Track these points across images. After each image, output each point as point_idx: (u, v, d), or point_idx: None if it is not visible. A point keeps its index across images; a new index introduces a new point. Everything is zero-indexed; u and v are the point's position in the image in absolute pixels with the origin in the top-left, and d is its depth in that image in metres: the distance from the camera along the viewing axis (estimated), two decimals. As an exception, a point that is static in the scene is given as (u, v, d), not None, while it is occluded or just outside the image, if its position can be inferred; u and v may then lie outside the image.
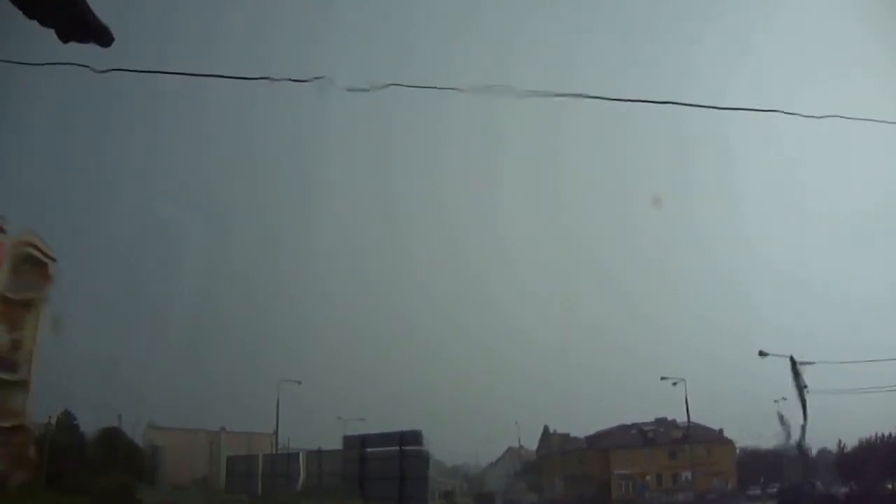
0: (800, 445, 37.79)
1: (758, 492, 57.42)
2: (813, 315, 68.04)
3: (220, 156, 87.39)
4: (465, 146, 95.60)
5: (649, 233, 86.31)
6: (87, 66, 6.94)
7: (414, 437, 28.71)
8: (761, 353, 36.75)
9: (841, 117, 10.55)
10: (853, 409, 45.23)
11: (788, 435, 50.12)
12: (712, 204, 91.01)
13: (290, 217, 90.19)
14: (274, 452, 48.92)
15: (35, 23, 3.88)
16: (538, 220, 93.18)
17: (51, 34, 4.10)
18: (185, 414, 56.22)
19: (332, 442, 45.89)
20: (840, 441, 53.93)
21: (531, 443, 78.58)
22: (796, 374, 35.23)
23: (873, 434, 49.03)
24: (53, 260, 43.63)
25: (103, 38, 4.13)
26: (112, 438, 45.09)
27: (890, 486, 43.33)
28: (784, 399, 41.22)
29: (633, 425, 69.45)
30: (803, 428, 36.21)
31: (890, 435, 47.77)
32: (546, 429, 75.75)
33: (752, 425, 64.67)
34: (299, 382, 50.39)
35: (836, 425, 48.70)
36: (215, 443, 58.27)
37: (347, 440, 37.07)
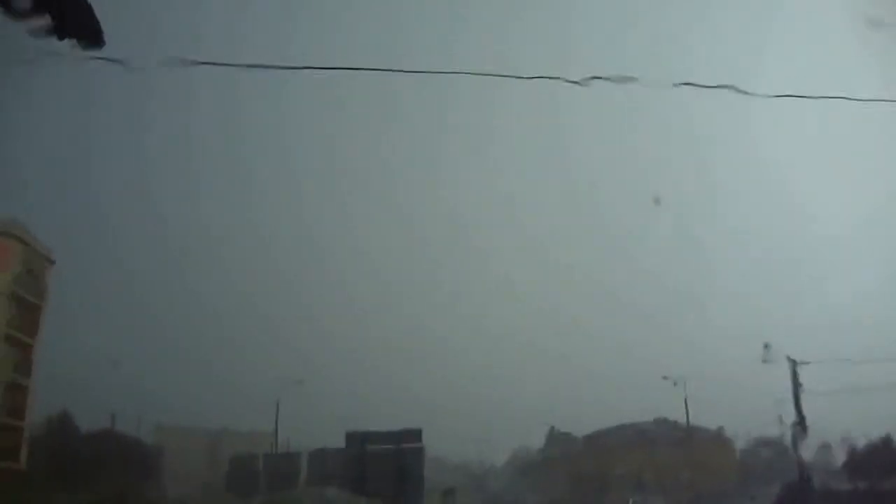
0: (796, 445, 37.82)
1: (758, 491, 57.39)
2: (814, 312, 67.89)
3: (214, 154, 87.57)
4: (469, 139, 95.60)
5: (648, 231, 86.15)
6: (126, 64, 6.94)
7: (413, 435, 28.92)
8: (765, 361, 36.84)
9: (796, 96, 10.41)
10: (855, 408, 45.18)
11: (783, 434, 50.21)
12: (712, 201, 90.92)
13: (291, 215, 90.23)
14: (275, 451, 48.97)
15: (35, 23, 3.94)
16: (539, 219, 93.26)
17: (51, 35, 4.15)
18: (186, 414, 56.30)
19: (334, 441, 46.03)
20: (850, 440, 53.94)
21: (532, 442, 78.85)
22: (794, 374, 35.30)
23: (878, 434, 49.02)
24: (53, 262, 43.78)
25: (98, 38, 4.19)
26: (112, 438, 45.15)
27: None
28: (786, 401, 41.24)
29: (632, 425, 69.47)
30: (799, 427, 36.21)
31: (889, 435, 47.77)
32: (552, 429, 76.03)
33: (753, 425, 64.39)
34: (301, 381, 50.34)
35: (838, 425, 48.79)
36: (216, 442, 58.34)
37: (350, 437, 37.25)
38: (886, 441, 47.93)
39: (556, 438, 76.41)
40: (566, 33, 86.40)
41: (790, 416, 42.61)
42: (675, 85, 9.35)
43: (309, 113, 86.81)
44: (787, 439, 50.02)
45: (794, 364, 35.54)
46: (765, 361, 36.73)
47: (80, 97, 66.40)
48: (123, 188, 79.44)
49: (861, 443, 51.36)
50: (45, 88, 40.34)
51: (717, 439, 65.83)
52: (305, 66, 9.19)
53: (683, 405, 51.45)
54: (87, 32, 4.17)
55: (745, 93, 9.83)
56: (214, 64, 8.56)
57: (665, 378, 50.07)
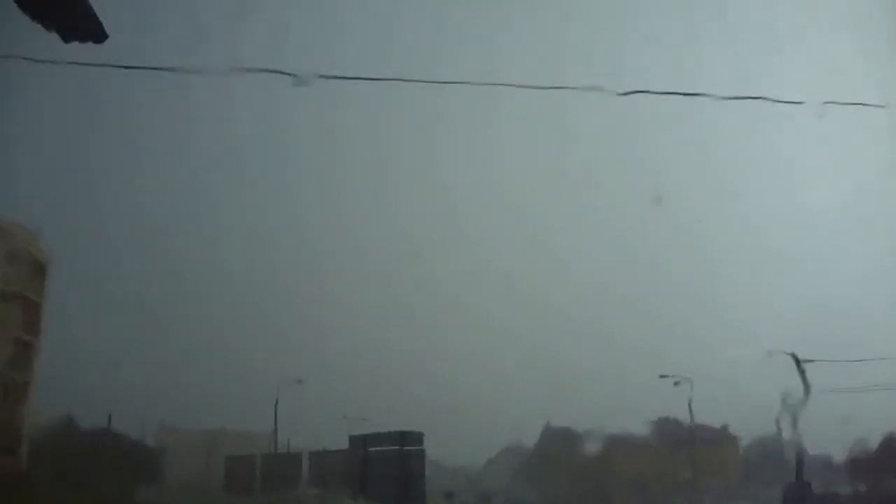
0: (799, 445, 37.74)
1: (758, 491, 57.35)
2: (818, 311, 67.52)
3: (210, 153, 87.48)
4: (468, 139, 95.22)
5: (649, 228, 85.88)
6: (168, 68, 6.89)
7: (414, 437, 28.82)
8: (769, 353, 36.79)
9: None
10: (857, 407, 45.03)
11: (784, 434, 50.13)
12: (712, 198, 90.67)
13: (291, 214, 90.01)
14: (274, 452, 48.85)
15: (36, 22, 3.85)
16: (540, 218, 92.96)
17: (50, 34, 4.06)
18: (186, 413, 56.14)
19: (334, 441, 45.87)
20: (858, 441, 53.85)
21: (532, 443, 78.73)
22: (799, 373, 35.23)
23: (880, 434, 48.89)
24: (53, 261, 43.77)
25: (98, 34, 4.10)
26: (111, 438, 45.08)
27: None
28: (787, 400, 41.17)
29: (633, 425, 69.44)
30: (799, 427, 36.18)
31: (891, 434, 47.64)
32: (552, 429, 75.86)
33: (754, 425, 64.25)
34: (300, 381, 50.16)
35: (839, 425, 48.59)
36: (216, 442, 58.16)
37: (353, 440, 37.19)
38: (888, 442, 47.82)
39: (556, 439, 76.28)
40: (567, 39, 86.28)
41: (791, 416, 42.57)
42: (671, 93, 9.31)
43: (307, 116, 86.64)
44: (788, 439, 49.98)
45: (797, 363, 35.45)
46: (769, 354, 36.71)
47: (80, 97, 66.12)
48: (123, 189, 79.11)
49: (862, 443, 51.26)
50: (45, 89, 40.25)
51: (720, 438, 65.83)
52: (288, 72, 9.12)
53: (685, 405, 51.28)
54: (89, 29, 4.08)
55: (752, 97, 9.81)
56: (212, 70, 8.52)
57: (666, 377, 49.95)
